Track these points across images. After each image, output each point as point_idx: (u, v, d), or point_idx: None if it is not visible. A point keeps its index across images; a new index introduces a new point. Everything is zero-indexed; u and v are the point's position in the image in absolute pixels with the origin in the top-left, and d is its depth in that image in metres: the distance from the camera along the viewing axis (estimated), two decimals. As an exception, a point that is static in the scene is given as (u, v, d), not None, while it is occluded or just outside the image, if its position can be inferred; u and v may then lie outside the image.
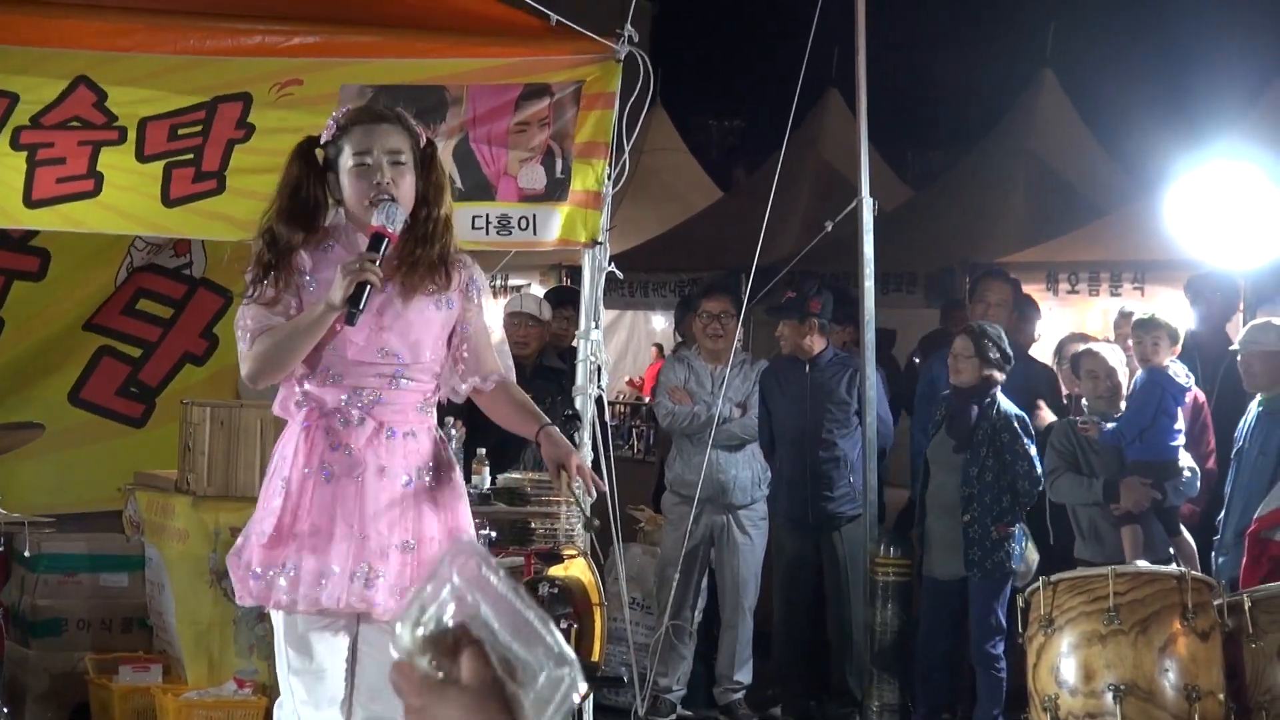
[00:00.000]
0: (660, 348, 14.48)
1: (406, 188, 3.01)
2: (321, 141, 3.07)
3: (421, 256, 3.03)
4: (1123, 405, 5.43)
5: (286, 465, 3.01)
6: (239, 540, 3.09)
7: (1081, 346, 5.88)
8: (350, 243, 3.04)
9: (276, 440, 3.13)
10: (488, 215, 5.12)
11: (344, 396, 3.02)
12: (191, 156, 4.80)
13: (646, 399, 13.40)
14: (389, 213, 2.94)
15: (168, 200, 4.80)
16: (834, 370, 6.05)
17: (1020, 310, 6.44)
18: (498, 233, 5.20)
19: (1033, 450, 5.47)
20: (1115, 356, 5.52)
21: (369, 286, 2.89)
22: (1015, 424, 5.50)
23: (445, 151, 5.03)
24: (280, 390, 3.10)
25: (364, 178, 2.99)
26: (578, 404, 5.41)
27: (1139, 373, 5.50)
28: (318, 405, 3.03)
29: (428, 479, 3.06)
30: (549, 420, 3.16)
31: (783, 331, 6.12)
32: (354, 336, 3.00)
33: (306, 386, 3.03)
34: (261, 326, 2.99)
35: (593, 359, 5.33)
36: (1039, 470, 5.46)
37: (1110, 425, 5.35)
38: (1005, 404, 5.54)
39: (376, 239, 2.93)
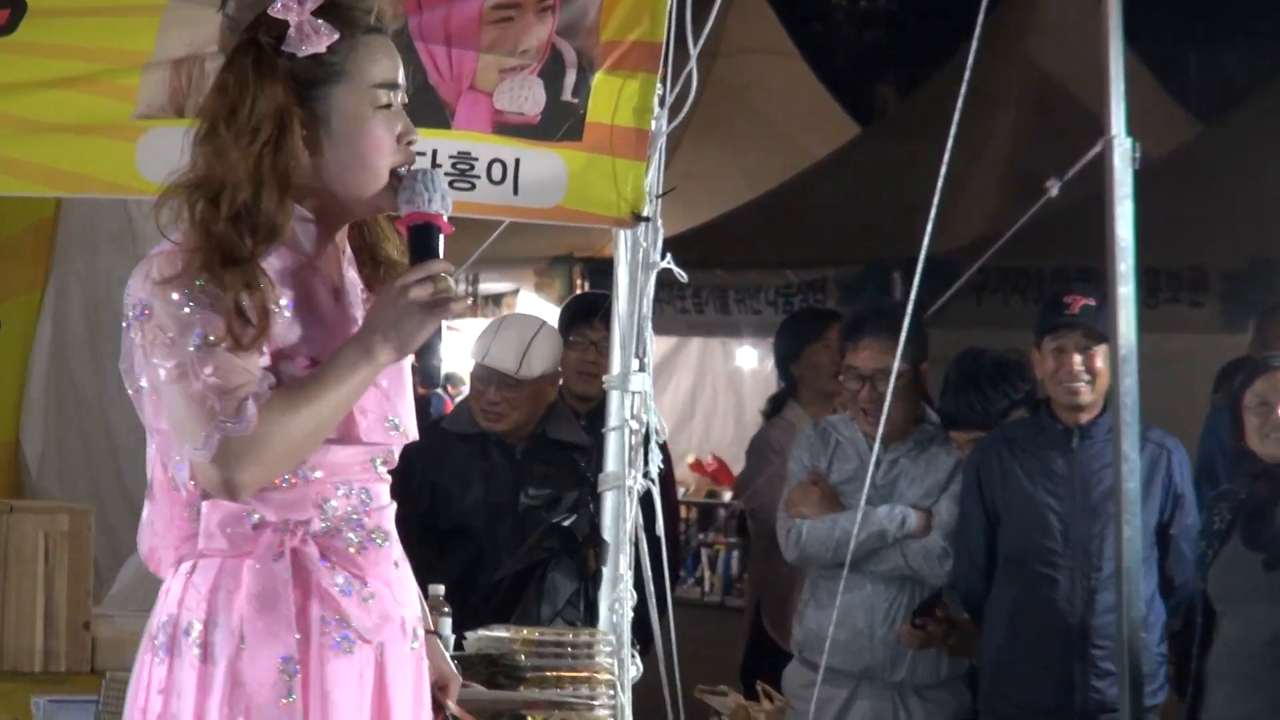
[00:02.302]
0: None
1: None
2: (292, 47, 3.13)
3: (385, 259, 3.30)
4: None
5: (277, 635, 3.06)
6: None
7: None
8: (313, 245, 3.18)
9: (187, 588, 3.12)
10: (434, 153, 5.13)
11: (328, 502, 3.16)
12: None
13: (727, 494, 13.35)
14: (439, 188, 3.16)
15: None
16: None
17: None
18: (450, 185, 5.15)
19: None
20: None
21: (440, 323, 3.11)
22: None
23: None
24: (165, 510, 3.14)
25: (391, 129, 3.17)
26: (606, 507, 5.38)
27: None
28: (285, 523, 3.11)
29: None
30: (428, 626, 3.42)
31: (1059, 365, 5.97)
32: (365, 404, 3.16)
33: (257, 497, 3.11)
34: (256, 386, 3.04)
35: (634, 424, 5.29)
36: None
37: None
38: None
39: (426, 235, 3.11)
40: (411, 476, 5.97)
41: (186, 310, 3.03)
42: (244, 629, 3.07)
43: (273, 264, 3.11)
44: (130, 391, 3.15)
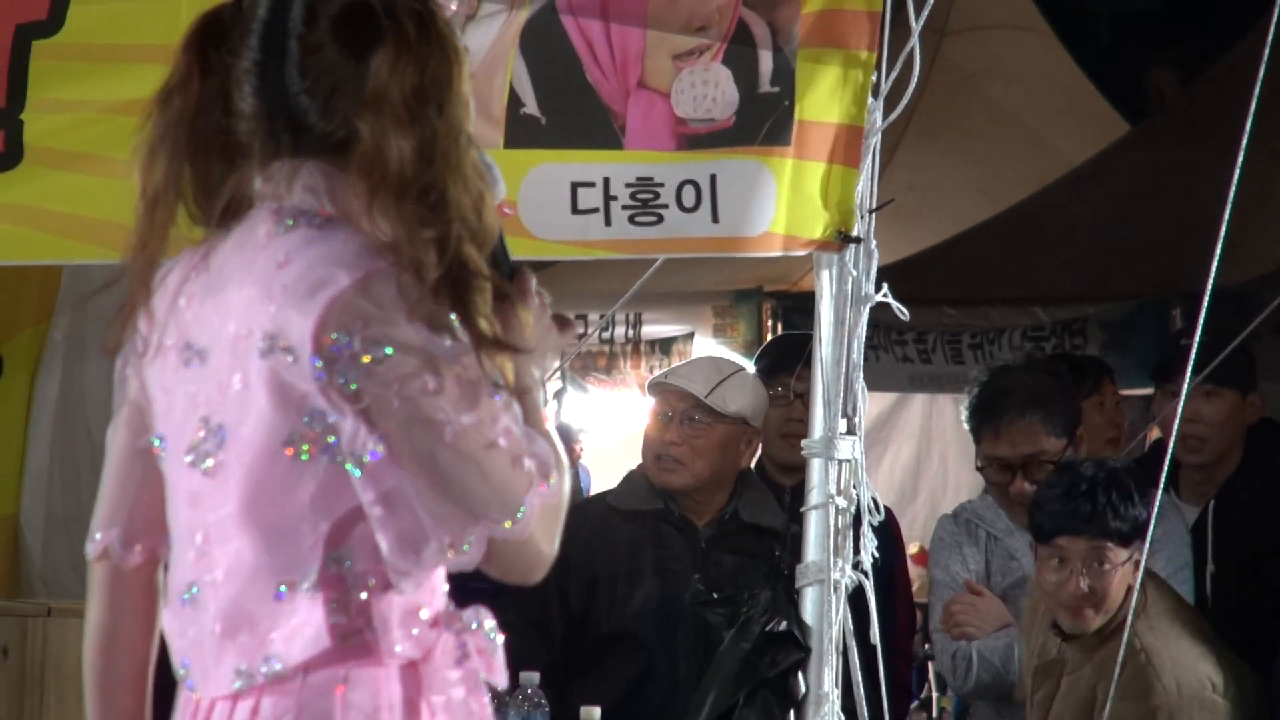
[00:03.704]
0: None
1: None
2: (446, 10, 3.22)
3: None
4: None
5: None
6: None
7: None
8: None
9: (344, 709, 3.09)
10: (606, 181, 5.15)
11: (443, 584, 3.21)
12: None
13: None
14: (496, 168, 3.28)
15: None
16: None
17: None
18: (630, 220, 5.25)
19: None
20: None
21: None
22: None
23: (502, 42, 5.15)
24: (312, 611, 3.09)
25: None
26: (807, 606, 5.39)
27: None
28: (450, 617, 3.16)
29: None
30: None
31: None
32: None
33: (420, 590, 3.12)
34: (549, 438, 3.16)
35: (840, 501, 5.30)
36: None
37: None
38: None
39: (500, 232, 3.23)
40: (566, 567, 5.98)
41: (458, 345, 3.05)
42: None
43: None
44: (316, 462, 3.07)
